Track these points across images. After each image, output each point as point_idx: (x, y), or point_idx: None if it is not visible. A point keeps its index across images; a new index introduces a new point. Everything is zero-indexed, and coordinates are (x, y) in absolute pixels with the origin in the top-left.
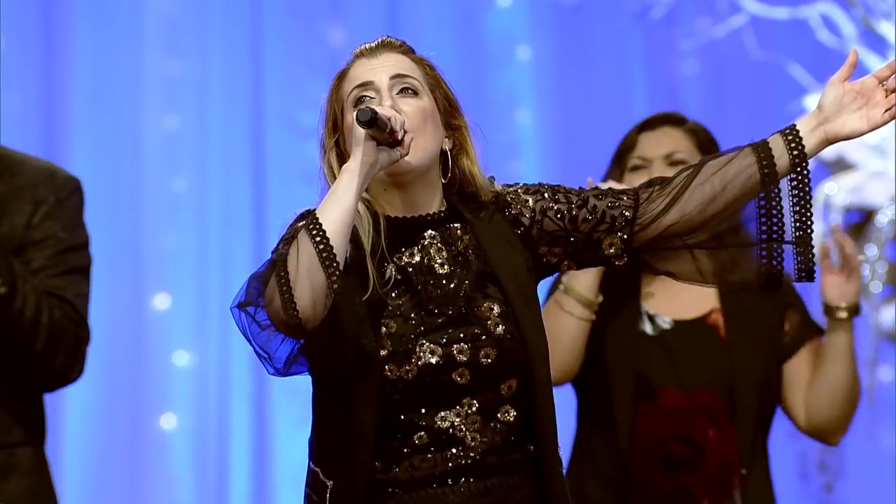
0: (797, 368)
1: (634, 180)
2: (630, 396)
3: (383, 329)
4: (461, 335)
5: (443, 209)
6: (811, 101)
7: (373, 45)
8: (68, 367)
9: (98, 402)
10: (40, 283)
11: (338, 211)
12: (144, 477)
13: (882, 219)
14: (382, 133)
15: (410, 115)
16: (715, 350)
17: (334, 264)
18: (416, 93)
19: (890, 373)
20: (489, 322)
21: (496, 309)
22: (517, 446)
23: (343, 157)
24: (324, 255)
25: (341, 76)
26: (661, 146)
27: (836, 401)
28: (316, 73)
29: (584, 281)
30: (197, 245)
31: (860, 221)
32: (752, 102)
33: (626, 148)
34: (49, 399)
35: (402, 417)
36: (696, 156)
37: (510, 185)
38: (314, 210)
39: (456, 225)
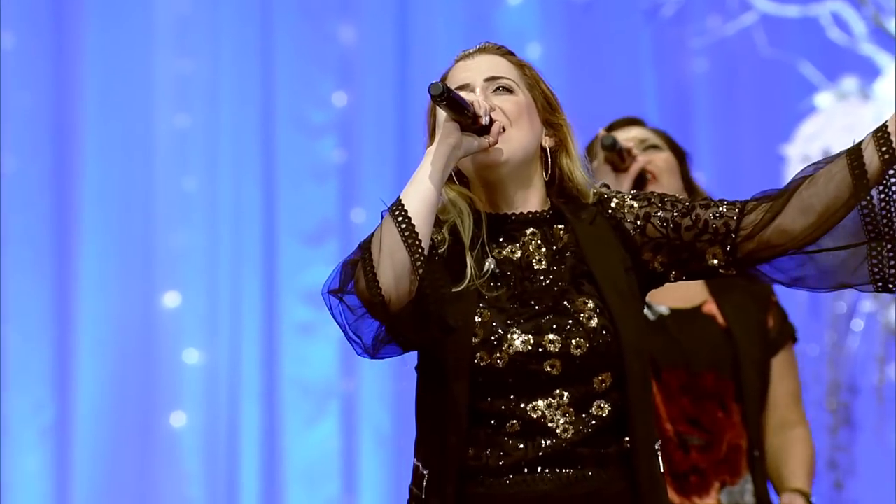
0: (780, 364)
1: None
2: None
3: (477, 318)
4: (553, 325)
5: (546, 209)
6: (822, 99)
7: (472, 49)
8: None
9: (108, 399)
10: None
11: (419, 192)
12: (155, 474)
13: None
14: (464, 116)
15: (507, 109)
16: (715, 334)
17: (417, 242)
18: (511, 91)
19: None
20: (582, 315)
21: (590, 304)
22: (611, 440)
23: None
24: (406, 234)
25: (443, 79)
26: (633, 135)
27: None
28: (326, 72)
29: None
30: (207, 243)
31: None
32: (762, 100)
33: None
34: (60, 396)
35: (494, 405)
36: (664, 145)
37: (618, 192)
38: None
39: (560, 226)
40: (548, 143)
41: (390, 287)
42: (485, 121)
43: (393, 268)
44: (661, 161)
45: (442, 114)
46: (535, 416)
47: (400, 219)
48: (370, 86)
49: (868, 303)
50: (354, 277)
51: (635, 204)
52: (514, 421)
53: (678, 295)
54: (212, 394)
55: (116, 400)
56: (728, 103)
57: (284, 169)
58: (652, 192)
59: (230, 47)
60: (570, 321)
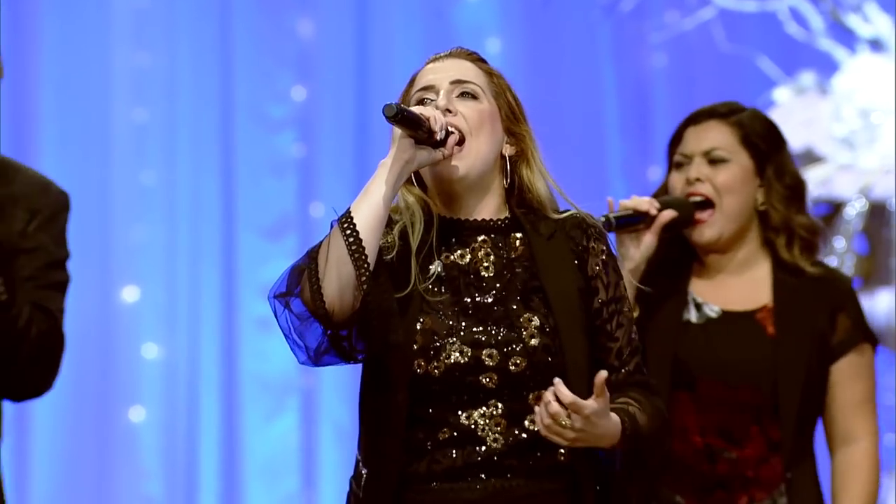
0: (842, 372)
1: (678, 177)
2: (667, 384)
3: (418, 324)
4: (493, 341)
5: (502, 217)
6: (780, 94)
7: (444, 53)
8: (44, 381)
9: (67, 394)
10: (28, 293)
11: (369, 205)
12: (113, 469)
13: (850, 211)
14: (418, 131)
15: (468, 117)
16: (760, 344)
17: (363, 257)
18: (475, 97)
19: None
20: (525, 332)
21: (536, 321)
22: (545, 453)
23: None
24: (353, 247)
25: (411, 81)
26: (702, 141)
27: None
28: (285, 66)
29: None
30: (166, 238)
31: (828, 214)
32: (720, 95)
33: (672, 142)
34: None
35: (430, 412)
36: (739, 151)
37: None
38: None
39: (517, 235)
40: (508, 150)
41: (334, 299)
42: (440, 136)
43: (338, 280)
44: (721, 179)
45: (395, 129)
46: (467, 425)
47: (348, 232)
48: (329, 80)
49: None
50: (300, 285)
51: (601, 259)
52: (447, 429)
53: (736, 295)
54: (171, 388)
55: (75, 395)
56: (686, 98)
57: (243, 163)
58: (615, 265)
59: (188, 41)
60: (512, 337)
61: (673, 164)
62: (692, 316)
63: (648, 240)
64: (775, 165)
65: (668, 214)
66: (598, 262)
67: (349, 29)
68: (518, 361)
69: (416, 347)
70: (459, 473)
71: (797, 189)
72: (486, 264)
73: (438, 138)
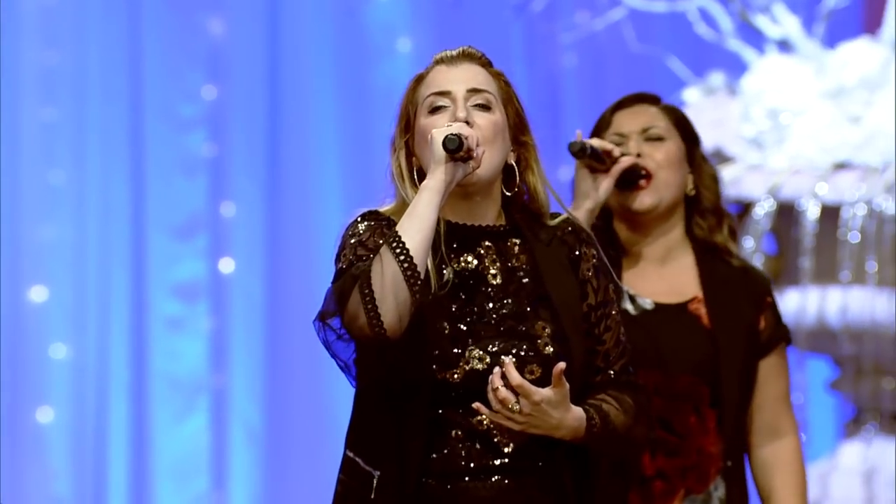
0: (770, 367)
1: None
2: None
3: (438, 330)
4: (511, 349)
5: (502, 223)
6: (689, 95)
7: (454, 53)
8: None
9: None
10: None
11: (419, 229)
12: (21, 470)
13: (759, 211)
14: (460, 152)
15: (483, 128)
16: (698, 336)
17: (418, 282)
18: (489, 107)
19: None
20: (539, 341)
21: (548, 330)
22: (553, 453)
23: (411, 157)
24: (408, 273)
25: (419, 79)
26: (637, 121)
27: None
28: (195, 65)
29: None
30: (74, 237)
31: (738, 213)
32: None
33: (599, 128)
34: None
35: (444, 413)
36: (673, 133)
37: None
38: (394, 225)
39: (515, 241)
40: (512, 158)
41: (394, 323)
42: (476, 152)
43: (396, 304)
44: (660, 155)
45: (439, 151)
46: (481, 429)
47: (402, 257)
48: (240, 79)
49: None
50: (349, 311)
51: (591, 263)
52: (460, 431)
53: (666, 288)
54: (79, 389)
55: None
56: (597, 98)
57: (153, 163)
58: (606, 270)
59: (97, 39)
60: (527, 346)
61: None
62: (630, 308)
63: (607, 184)
64: (700, 152)
65: (627, 160)
66: (589, 266)
67: (260, 27)
68: (534, 369)
69: (436, 353)
70: (474, 474)
71: (718, 178)
72: (493, 271)
73: (475, 155)
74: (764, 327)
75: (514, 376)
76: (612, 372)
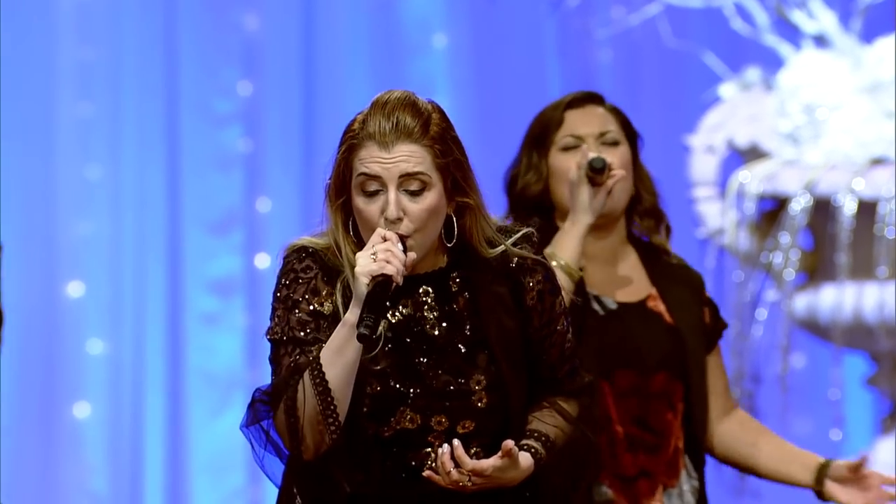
0: (715, 360)
1: (568, 159)
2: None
3: (367, 388)
4: (443, 408)
5: (441, 265)
6: (725, 90)
7: (387, 130)
8: None
9: (11, 390)
10: None
11: (340, 366)
12: (58, 465)
13: (795, 207)
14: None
15: (415, 216)
16: (663, 333)
17: (336, 419)
18: (423, 190)
19: (802, 360)
20: (473, 397)
21: (484, 381)
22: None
23: (347, 216)
24: (326, 412)
25: (352, 147)
26: (592, 124)
27: None
28: (230, 61)
29: (568, 249)
30: (111, 232)
31: (774, 209)
32: (666, 91)
33: (550, 127)
34: None
35: (379, 458)
36: (623, 137)
37: (536, 258)
38: (326, 264)
39: (455, 277)
40: (451, 208)
41: (311, 449)
42: (406, 267)
43: (313, 435)
44: (617, 160)
45: (360, 290)
46: (415, 466)
47: (322, 392)
48: (275, 75)
49: (772, 292)
50: (277, 426)
51: (540, 290)
52: (398, 470)
53: (624, 287)
54: (116, 384)
55: (19, 391)
56: (632, 94)
57: (189, 158)
58: (561, 306)
59: (133, 35)
60: (461, 403)
61: (557, 147)
62: (597, 308)
63: (601, 197)
64: (639, 155)
65: (620, 174)
66: (532, 294)
67: (295, 23)
68: (467, 424)
69: (365, 411)
70: (409, 498)
71: (654, 179)
72: (430, 318)
73: (405, 269)
74: (709, 321)
75: (466, 461)
76: (556, 378)
